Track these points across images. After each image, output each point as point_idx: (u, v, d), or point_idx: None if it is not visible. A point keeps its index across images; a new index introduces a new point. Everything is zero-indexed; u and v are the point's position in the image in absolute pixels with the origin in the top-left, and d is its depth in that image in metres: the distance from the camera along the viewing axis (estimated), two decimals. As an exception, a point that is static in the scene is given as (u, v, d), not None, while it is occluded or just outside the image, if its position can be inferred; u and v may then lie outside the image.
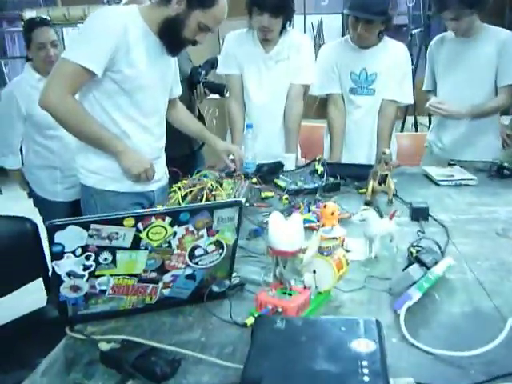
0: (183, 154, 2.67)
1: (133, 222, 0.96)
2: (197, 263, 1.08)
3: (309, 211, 1.71)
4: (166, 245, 1.03)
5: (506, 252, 1.46)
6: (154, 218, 0.98)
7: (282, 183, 2.12)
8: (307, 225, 1.53)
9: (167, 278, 1.08)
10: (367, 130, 2.60)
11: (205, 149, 2.77)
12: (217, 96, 2.81)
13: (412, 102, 2.63)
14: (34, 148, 2.56)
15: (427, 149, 2.79)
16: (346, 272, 1.19)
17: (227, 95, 2.65)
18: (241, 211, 1.05)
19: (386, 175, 1.88)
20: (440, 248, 1.37)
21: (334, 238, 1.15)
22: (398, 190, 1.99)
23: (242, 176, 2.08)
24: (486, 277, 1.31)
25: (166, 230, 1.00)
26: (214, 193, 1.72)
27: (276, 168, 2.29)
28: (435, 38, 2.66)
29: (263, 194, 1.96)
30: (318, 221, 1.63)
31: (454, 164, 2.45)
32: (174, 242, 1.03)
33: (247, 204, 1.83)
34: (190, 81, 2.66)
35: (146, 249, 1.01)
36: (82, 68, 1.63)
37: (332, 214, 1.44)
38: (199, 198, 1.71)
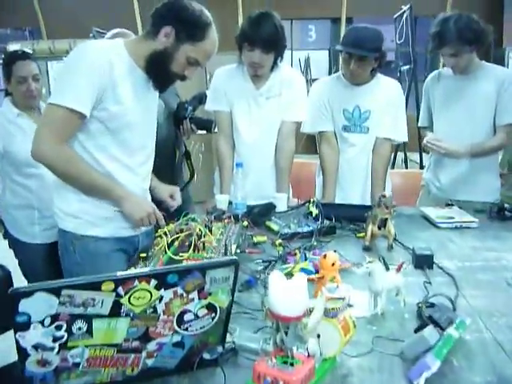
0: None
1: (112, 286, 0.83)
2: (186, 329, 0.95)
3: (305, 259, 1.59)
4: (151, 310, 0.89)
5: (521, 306, 1.34)
6: (137, 282, 0.85)
7: (274, 226, 2.00)
8: (310, 276, 1.41)
9: (152, 346, 0.94)
10: (361, 169, 2.50)
11: (191, 187, 2.65)
12: (204, 132, 2.70)
13: (406, 139, 2.55)
14: (11, 187, 2.41)
15: (424, 188, 2.70)
16: (353, 335, 1.06)
17: (215, 131, 2.55)
18: (237, 271, 0.92)
19: (386, 219, 1.77)
20: (453, 304, 1.25)
21: (340, 299, 1.02)
22: (397, 233, 1.88)
23: (233, 219, 1.96)
24: (504, 336, 1.18)
25: (151, 293, 0.87)
26: (203, 239, 1.59)
27: (268, 209, 2.17)
28: (432, 73, 2.60)
29: (255, 239, 1.83)
30: (317, 272, 1.50)
31: (452, 204, 2.36)
32: (160, 307, 0.90)
33: (238, 250, 1.70)
34: (177, 116, 2.55)
35: (128, 315, 0.88)
36: (71, 111, 1.52)
37: (332, 265, 1.34)
38: (187, 244, 1.58)
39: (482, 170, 2.43)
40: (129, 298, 0.86)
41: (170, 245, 1.58)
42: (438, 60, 4.96)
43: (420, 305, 1.24)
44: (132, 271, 0.85)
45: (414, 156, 4.44)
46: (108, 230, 1.73)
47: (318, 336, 1.00)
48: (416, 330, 1.12)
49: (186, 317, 0.93)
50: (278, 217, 2.12)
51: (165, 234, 1.62)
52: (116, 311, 0.86)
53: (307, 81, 4.70)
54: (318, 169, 2.66)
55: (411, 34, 4.80)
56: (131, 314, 0.88)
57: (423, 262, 1.61)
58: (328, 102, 2.49)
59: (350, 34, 2.35)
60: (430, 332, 1.04)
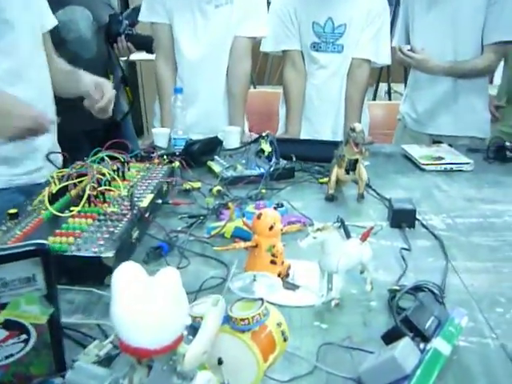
0: (101, 125, 2.09)
1: None
2: (-25, 362, 0.54)
3: (243, 216, 1.16)
4: None
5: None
6: None
7: (216, 168, 1.57)
8: (236, 244, 0.99)
9: None
10: (333, 97, 2.06)
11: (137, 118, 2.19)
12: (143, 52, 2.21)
13: (389, 62, 2.08)
14: None
15: (400, 122, 2.27)
16: (282, 352, 0.66)
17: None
18: (47, 263, 0.50)
19: (356, 160, 1.35)
20: (441, 292, 0.85)
21: (258, 300, 0.61)
22: (372, 177, 1.48)
23: (164, 159, 1.53)
24: (516, 341, 0.80)
25: None
26: (102, 187, 1.16)
27: (211, 146, 1.72)
28: None
29: (185, 186, 1.40)
30: (255, 233, 1.09)
31: (441, 142, 1.95)
32: None
33: (159, 201, 1.28)
34: (109, 32, 2.07)
35: None
36: None
37: (271, 228, 0.92)
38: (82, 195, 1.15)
39: (466, 96, 1.99)
40: None
41: (59, 195, 1.15)
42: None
43: (393, 292, 0.84)
44: None
45: (400, 87, 3.97)
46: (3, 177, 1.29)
47: (220, 362, 0.60)
48: (384, 338, 0.72)
49: (-33, 345, 0.52)
50: (225, 155, 1.69)
51: (54, 181, 1.18)
52: None
53: None
54: (281, 98, 2.20)
55: None
56: None
57: (402, 220, 1.20)
58: (294, 13, 2.00)
59: None
60: (404, 350, 0.64)
